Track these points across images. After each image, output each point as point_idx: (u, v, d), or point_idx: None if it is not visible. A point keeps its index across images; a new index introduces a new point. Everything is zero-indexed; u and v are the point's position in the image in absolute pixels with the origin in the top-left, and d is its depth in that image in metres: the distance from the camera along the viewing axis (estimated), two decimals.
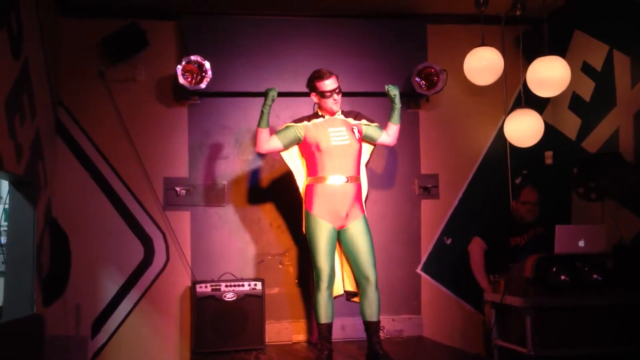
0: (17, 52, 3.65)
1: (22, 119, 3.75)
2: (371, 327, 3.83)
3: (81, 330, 4.51)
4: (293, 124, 3.97)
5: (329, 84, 3.84)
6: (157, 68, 4.69)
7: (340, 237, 3.88)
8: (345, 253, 3.93)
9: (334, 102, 3.87)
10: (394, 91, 3.93)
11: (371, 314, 3.82)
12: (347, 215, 3.82)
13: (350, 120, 3.95)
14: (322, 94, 3.86)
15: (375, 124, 4.04)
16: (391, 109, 4.00)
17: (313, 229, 3.82)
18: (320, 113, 3.97)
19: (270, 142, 3.94)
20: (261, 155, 4.69)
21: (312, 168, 3.91)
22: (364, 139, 4.00)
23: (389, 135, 4.06)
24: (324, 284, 3.80)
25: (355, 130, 3.91)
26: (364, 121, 4.01)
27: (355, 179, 3.88)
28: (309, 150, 3.91)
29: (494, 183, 4.95)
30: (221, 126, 4.75)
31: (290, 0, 4.64)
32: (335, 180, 3.83)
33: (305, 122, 3.93)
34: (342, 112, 3.99)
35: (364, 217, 3.90)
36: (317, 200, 3.83)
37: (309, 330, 4.61)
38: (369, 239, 3.85)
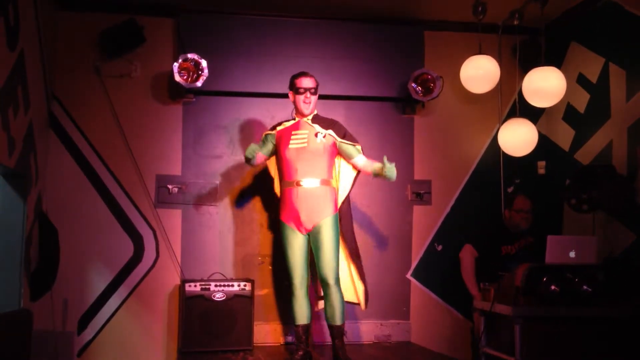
0: (13, 44, 3.62)
1: (16, 111, 3.72)
2: (333, 331, 3.84)
3: (67, 326, 4.47)
4: (269, 131, 4.03)
5: (305, 82, 3.89)
6: (153, 65, 4.68)
7: (309, 239, 3.89)
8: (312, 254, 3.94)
9: (305, 100, 3.88)
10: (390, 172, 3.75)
11: (332, 317, 3.82)
12: (308, 218, 3.81)
13: (317, 126, 3.91)
14: (296, 90, 3.89)
15: (352, 143, 3.94)
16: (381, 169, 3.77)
17: (282, 234, 3.91)
18: (294, 116, 4.00)
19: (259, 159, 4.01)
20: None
21: (279, 174, 4.00)
22: (340, 154, 3.98)
23: (365, 164, 3.93)
24: (294, 287, 3.88)
25: (320, 136, 3.88)
26: (335, 134, 3.93)
27: (315, 182, 3.84)
28: (277, 156, 3.99)
29: (486, 191, 4.96)
30: (216, 125, 4.74)
31: (289, 1, 4.63)
32: (289, 184, 3.88)
33: (278, 128, 3.98)
34: (317, 118, 3.97)
35: (332, 217, 3.85)
36: (283, 206, 3.91)
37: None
38: (332, 240, 3.80)
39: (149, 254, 4.62)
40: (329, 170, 3.94)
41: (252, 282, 4.38)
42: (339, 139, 3.92)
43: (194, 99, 4.70)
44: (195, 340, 4.22)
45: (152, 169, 4.65)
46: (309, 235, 3.87)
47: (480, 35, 4.62)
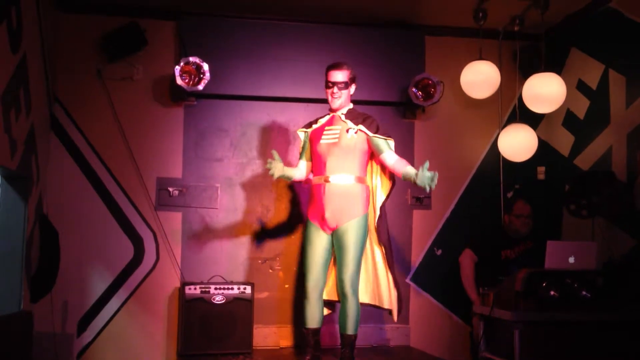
0: (16, 46, 3.64)
1: (18, 114, 3.73)
2: (343, 340, 3.75)
3: (67, 328, 4.47)
4: (304, 129, 3.96)
5: (333, 74, 3.76)
6: (155, 68, 4.68)
7: (333, 240, 3.77)
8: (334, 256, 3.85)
9: (332, 94, 3.76)
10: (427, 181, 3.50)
11: (343, 325, 3.72)
12: (333, 216, 3.69)
13: (349, 122, 3.79)
14: (325, 84, 3.80)
15: (384, 137, 3.77)
16: (415, 175, 3.56)
17: (306, 231, 3.84)
18: (329, 111, 3.92)
19: (303, 169, 3.96)
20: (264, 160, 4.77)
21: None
22: (372, 149, 3.82)
23: (395, 163, 3.73)
24: (307, 289, 3.78)
25: (352, 132, 3.74)
26: (367, 129, 3.76)
27: (348, 178, 3.73)
28: (310, 152, 3.93)
29: (486, 196, 4.97)
30: (217, 128, 4.75)
31: (291, 5, 4.65)
32: (318, 180, 3.79)
33: (314, 126, 3.91)
34: (351, 112, 3.84)
35: (361, 219, 3.71)
36: (310, 203, 3.84)
37: (297, 336, 4.60)
38: (356, 244, 3.65)
39: (149, 257, 4.62)
40: (363, 167, 3.79)
41: (252, 285, 4.38)
42: (370, 133, 3.73)
43: (196, 102, 4.71)
44: (195, 343, 4.22)
45: (153, 171, 4.65)
46: (332, 235, 3.74)
47: (480, 40, 4.64)
